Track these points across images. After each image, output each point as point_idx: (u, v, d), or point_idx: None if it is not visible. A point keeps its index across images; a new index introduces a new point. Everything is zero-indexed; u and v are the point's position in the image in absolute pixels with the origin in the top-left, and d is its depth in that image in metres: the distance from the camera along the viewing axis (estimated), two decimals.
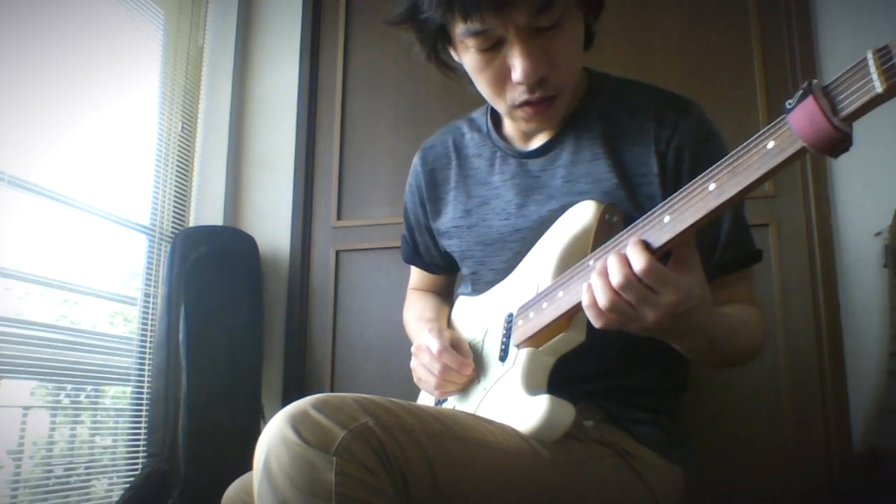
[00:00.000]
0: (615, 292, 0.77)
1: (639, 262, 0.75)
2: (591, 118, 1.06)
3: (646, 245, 0.77)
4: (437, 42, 1.02)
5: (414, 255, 1.33)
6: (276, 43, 2.20)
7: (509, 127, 1.14)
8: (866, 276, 1.64)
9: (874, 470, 1.47)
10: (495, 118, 1.17)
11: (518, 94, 0.97)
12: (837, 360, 1.62)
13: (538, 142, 1.10)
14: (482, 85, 1.00)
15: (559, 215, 0.99)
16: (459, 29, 0.93)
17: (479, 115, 1.21)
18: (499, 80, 0.97)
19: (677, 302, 0.76)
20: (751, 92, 1.80)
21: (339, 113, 2.10)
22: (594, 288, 0.79)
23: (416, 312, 1.29)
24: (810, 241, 1.69)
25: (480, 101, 1.20)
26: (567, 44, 0.96)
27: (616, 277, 0.77)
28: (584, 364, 0.96)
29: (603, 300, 0.78)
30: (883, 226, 1.61)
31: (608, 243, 0.83)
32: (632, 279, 0.76)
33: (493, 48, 0.94)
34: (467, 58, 0.98)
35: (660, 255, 0.77)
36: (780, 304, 1.68)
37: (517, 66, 0.93)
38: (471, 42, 0.94)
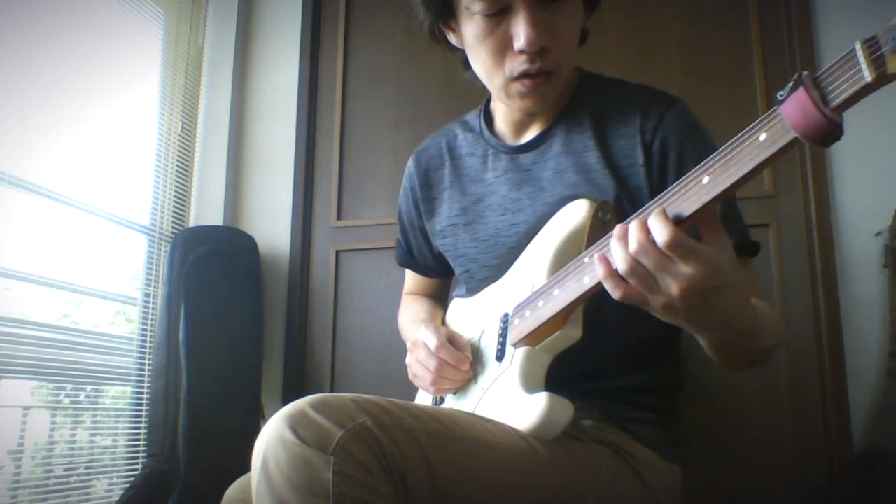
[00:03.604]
0: (632, 258, 0.72)
1: (662, 233, 0.70)
2: (581, 113, 1.07)
3: (668, 217, 0.72)
4: (441, 12, 1.03)
5: (408, 257, 1.33)
6: (276, 43, 2.20)
7: (502, 122, 1.15)
8: (866, 276, 1.64)
9: (874, 470, 1.47)
10: (488, 117, 1.18)
11: (518, 64, 0.98)
12: (837, 360, 1.62)
13: (529, 135, 1.11)
14: (483, 55, 1.00)
15: (553, 210, 0.99)
16: None
17: (472, 116, 1.22)
18: (500, 50, 0.98)
19: (704, 274, 0.70)
20: (750, 91, 1.80)
21: (339, 113, 2.10)
22: (613, 252, 0.75)
23: (411, 315, 1.30)
24: (810, 241, 1.69)
25: (480, 100, 1.21)
26: (569, 20, 0.99)
27: (633, 244, 0.72)
28: (582, 364, 0.96)
29: (622, 265, 0.73)
30: (883, 226, 1.61)
31: (603, 240, 0.83)
32: (649, 246, 0.71)
33: (498, 14, 0.96)
34: (470, 26, 0.99)
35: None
36: (780, 304, 1.68)
37: (521, 34, 0.95)
38: (477, 6, 0.96)
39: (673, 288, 0.71)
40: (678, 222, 0.72)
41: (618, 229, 0.75)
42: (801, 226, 1.71)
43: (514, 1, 0.95)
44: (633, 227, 0.73)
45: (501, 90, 1.03)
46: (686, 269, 0.70)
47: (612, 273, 0.75)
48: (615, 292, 0.76)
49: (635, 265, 0.73)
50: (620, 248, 0.74)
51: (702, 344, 0.86)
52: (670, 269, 0.71)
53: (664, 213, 0.72)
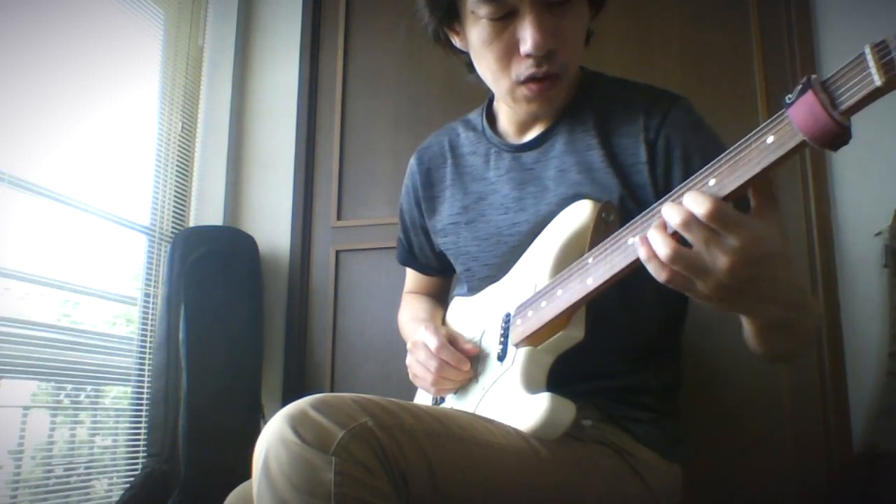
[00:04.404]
0: (676, 240, 0.70)
1: (702, 205, 0.67)
2: (584, 112, 1.07)
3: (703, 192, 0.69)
4: (446, 16, 1.02)
5: (409, 256, 1.33)
6: (276, 43, 2.20)
7: (505, 121, 1.14)
8: (866, 276, 1.64)
9: (874, 470, 1.47)
10: (490, 116, 1.18)
11: (524, 68, 0.98)
12: (837, 360, 1.62)
13: (532, 134, 1.11)
14: (489, 59, 1.00)
15: (555, 210, 1.00)
16: None
17: (474, 115, 1.22)
18: (506, 54, 0.98)
19: (751, 243, 0.67)
20: (751, 92, 1.80)
21: (339, 113, 2.10)
22: (652, 240, 0.72)
23: (411, 314, 1.29)
24: (810, 241, 1.69)
25: (480, 100, 1.21)
26: (575, 22, 0.98)
27: (675, 219, 0.69)
28: (583, 364, 0.96)
29: (664, 250, 0.70)
30: (883, 226, 1.61)
31: (607, 240, 0.83)
32: (692, 220, 0.68)
33: (504, 18, 0.96)
34: (476, 30, 0.99)
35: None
36: None
37: (527, 38, 0.94)
38: (483, 10, 0.95)
39: (721, 263, 0.68)
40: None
41: (656, 220, 0.73)
42: (801, 226, 1.71)
43: (521, 4, 0.94)
44: (668, 207, 0.70)
45: (507, 94, 1.03)
46: (732, 240, 0.67)
47: (654, 256, 0.72)
48: (659, 275, 0.72)
49: (678, 248, 0.70)
50: (660, 233, 0.71)
51: (750, 333, 0.83)
52: (716, 243, 0.68)
53: (700, 190, 0.70)
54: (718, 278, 0.69)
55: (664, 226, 0.71)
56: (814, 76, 0.63)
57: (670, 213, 0.70)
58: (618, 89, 1.09)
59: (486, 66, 1.02)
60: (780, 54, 1.80)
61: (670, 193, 0.75)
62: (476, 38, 1.00)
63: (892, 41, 0.57)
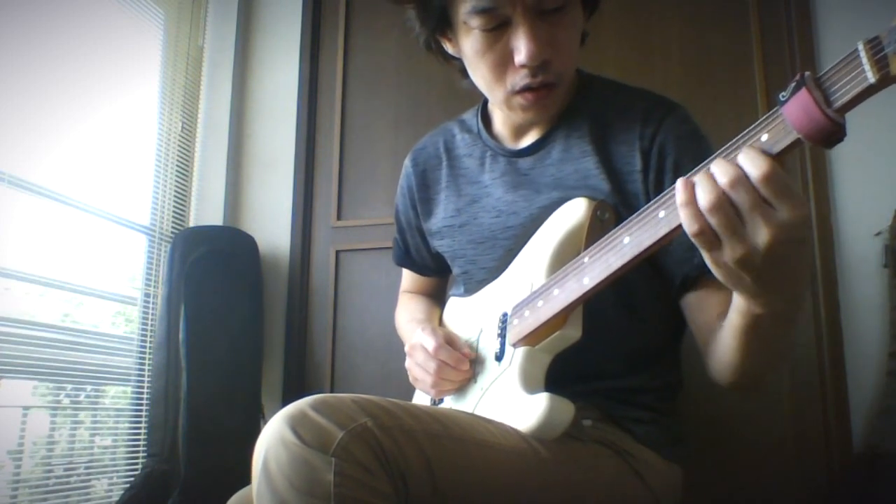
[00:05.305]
0: (723, 192, 0.64)
1: (760, 165, 0.62)
2: (580, 117, 1.06)
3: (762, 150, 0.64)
4: (438, 25, 1.02)
5: (405, 257, 1.33)
6: (276, 43, 2.20)
7: (500, 125, 1.14)
8: (866, 276, 1.64)
9: (874, 470, 1.47)
10: (486, 118, 1.18)
11: (519, 78, 0.97)
12: (837, 360, 1.62)
13: (528, 140, 1.10)
14: (483, 70, 0.99)
15: (550, 212, 0.99)
16: (465, 7, 0.94)
17: (469, 115, 1.21)
18: (500, 64, 0.97)
19: (799, 220, 0.62)
20: (751, 91, 1.80)
21: (339, 113, 2.10)
22: (699, 183, 0.66)
23: (408, 314, 1.29)
24: (810, 241, 1.69)
25: (478, 101, 1.21)
26: (570, 30, 0.98)
27: (723, 176, 0.63)
28: (582, 364, 0.96)
29: (707, 196, 0.64)
30: (883, 226, 1.61)
31: (603, 240, 0.82)
32: (745, 181, 0.63)
33: (497, 28, 0.95)
34: (469, 41, 0.98)
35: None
36: None
37: (522, 48, 0.93)
38: (475, 21, 0.95)
39: (761, 235, 0.63)
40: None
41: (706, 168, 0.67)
42: None
43: (514, 15, 0.93)
44: (721, 162, 0.65)
45: (503, 103, 1.02)
46: (782, 213, 0.62)
47: (692, 201, 0.66)
48: (691, 225, 0.66)
49: (723, 200, 0.64)
50: (708, 181, 0.65)
51: (735, 328, 0.77)
52: (762, 211, 0.63)
53: (758, 148, 0.65)
54: (749, 250, 0.64)
55: (713, 176, 0.66)
56: (807, 73, 0.63)
57: (719, 169, 0.65)
58: (615, 94, 1.08)
59: (480, 75, 1.01)
60: (780, 54, 1.80)
61: (666, 190, 0.73)
62: (469, 48, 0.99)
63: (886, 37, 0.57)
